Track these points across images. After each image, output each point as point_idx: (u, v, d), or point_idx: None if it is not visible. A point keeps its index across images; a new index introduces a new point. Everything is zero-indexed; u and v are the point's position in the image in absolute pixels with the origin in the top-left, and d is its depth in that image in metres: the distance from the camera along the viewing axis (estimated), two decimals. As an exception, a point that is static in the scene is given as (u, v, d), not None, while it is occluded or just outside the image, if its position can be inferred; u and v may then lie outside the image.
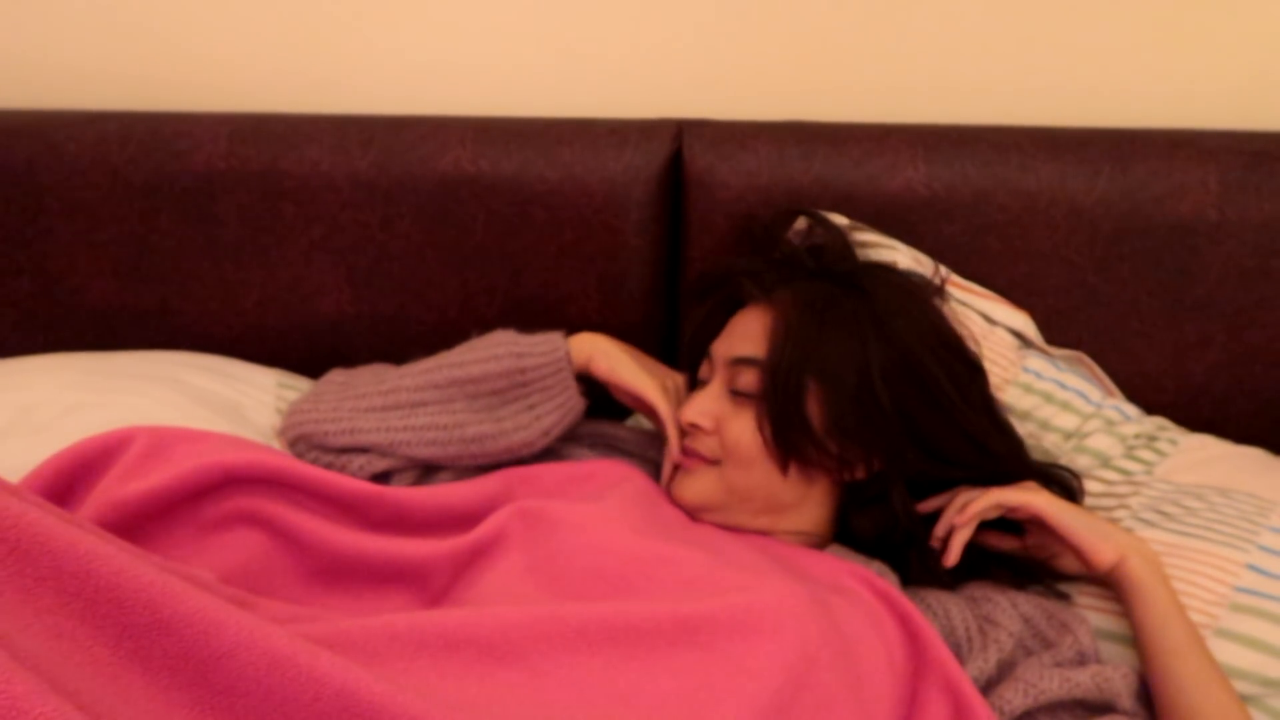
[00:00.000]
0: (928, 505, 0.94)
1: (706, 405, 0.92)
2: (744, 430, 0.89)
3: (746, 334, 0.93)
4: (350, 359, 1.22)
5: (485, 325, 1.19)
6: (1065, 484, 0.96)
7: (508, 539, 0.87)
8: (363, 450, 0.98)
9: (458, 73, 1.24)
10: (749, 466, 0.89)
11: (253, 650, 0.56)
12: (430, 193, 1.15)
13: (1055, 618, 0.87)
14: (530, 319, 1.18)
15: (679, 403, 0.98)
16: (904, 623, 0.81)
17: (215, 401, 1.06)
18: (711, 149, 1.13)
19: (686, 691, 0.68)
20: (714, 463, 0.92)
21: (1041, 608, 0.88)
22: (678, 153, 1.14)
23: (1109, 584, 0.90)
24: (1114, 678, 0.81)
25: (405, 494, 0.91)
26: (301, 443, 1.01)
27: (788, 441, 0.87)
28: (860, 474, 0.91)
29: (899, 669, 0.79)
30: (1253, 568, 0.89)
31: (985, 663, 0.82)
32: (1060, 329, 1.12)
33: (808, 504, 0.93)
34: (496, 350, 0.98)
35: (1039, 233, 1.10)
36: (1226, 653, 0.85)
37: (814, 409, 0.88)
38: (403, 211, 1.16)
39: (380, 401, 0.99)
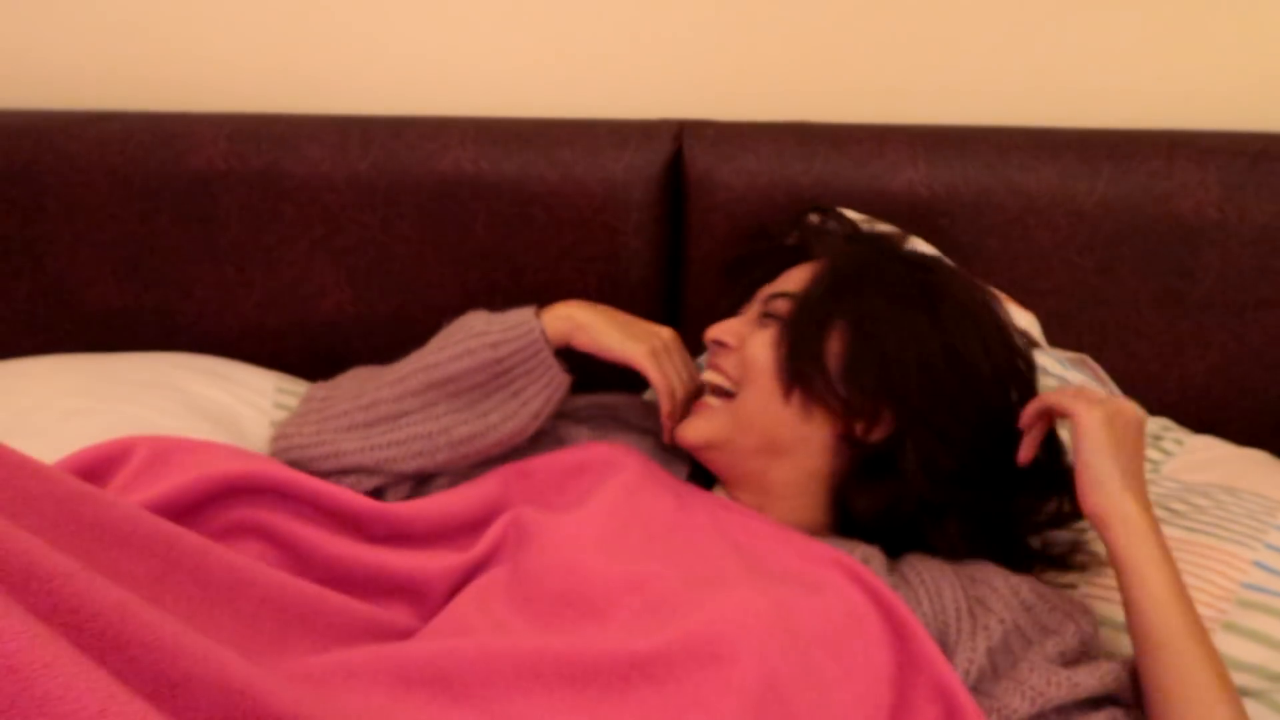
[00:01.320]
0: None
1: (733, 325, 0.94)
2: (763, 346, 0.89)
3: (792, 277, 0.94)
4: (350, 359, 1.21)
5: (486, 326, 1.19)
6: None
7: (500, 552, 0.87)
8: (350, 472, 0.97)
9: (458, 73, 1.24)
10: (757, 386, 0.89)
11: (205, 679, 0.54)
12: (430, 193, 1.15)
13: (1059, 607, 0.84)
14: (531, 320, 1.18)
15: (670, 363, 0.97)
16: (889, 618, 0.80)
17: (213, 410, 1.06)
18: (712, 150, 1.13)
19: None
20: (727, 396, 0.92)
21: (1044, 596, 0.85)
22: (678, 153, 1.14)
23: None
24: (1122, 675, 0.79)
25: (406, 507, 0.90)
26: (296, 467, 0.99)
27: (796, 368, 0.87)
28: (860, 431, 0.89)
29: (881, 671, 0.77)
30: (1260, 565, 0.89)
31: (974, 652, 0.79)
32: (1061, 329, 1.12)
33: (804, 452, 0.90)
34: (469, 344, 0.95)
35: (1040, 233, 1.10)
36: (1234, 647, 0.85)
37: (833, 348, 0.88)
38: (403, 212, 1.16)
39: (362, 418, 0.97)
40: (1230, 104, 1.16)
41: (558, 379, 0.96)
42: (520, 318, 0.96)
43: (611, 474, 0.93)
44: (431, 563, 0.86)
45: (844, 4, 1.17)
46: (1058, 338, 1.13)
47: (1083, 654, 0.82)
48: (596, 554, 0.82)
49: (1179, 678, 0.75)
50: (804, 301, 0.89)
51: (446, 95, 1.25)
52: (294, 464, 0.97)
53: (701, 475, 0.99)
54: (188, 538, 0.71)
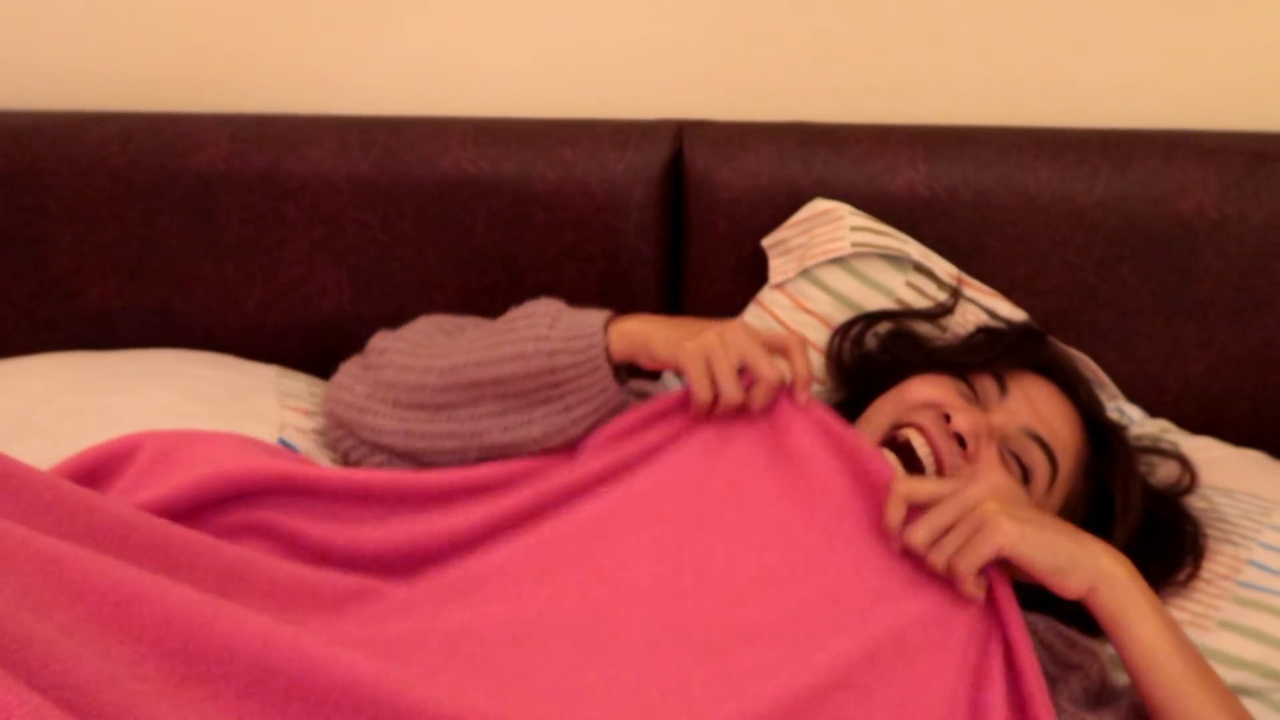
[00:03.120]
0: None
1: (980, 427, 0.87)
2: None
3: (1042, 412, 0.92)
4: (351, 359, 1.22)
5: (486, 325, 1.20)
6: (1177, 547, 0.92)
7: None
8: (384, 450, 0.96)
9: (458, 73, 1.24)
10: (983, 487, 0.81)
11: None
12: (431, 193, 1.15)
13: (1078, 644, 0.83)
14: (531, 320, 1.18)
15: (720, 364, 0.86)
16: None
17: (214, 393, 1.06)
18: (712, 150, 1.13)
19: None
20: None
21: (1060, 634, 0.84)
22: (678, 153, 1.15)
23: None
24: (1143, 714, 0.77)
25: (420, 475, 0.88)
26: (339, 427, 0.99)
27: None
28: None
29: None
30: (1254, 563, 0.90)
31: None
32: (1060, 329, 1.12)
33: None
34: (525, 347, 0.89)
35: (1039, 233, 1.10)
36: (1231, 645, 0.86)
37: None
38: (404, 212, 1.16)
39: (406, 397, 0.93)
40: (1230, 104, 1.16)
41: (613, 400, 0.90)
42: (586, 328, 0.89)
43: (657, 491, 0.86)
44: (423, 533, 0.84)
45: (844, 4, 1.17)
46: (1057, 337, 1.12)
47: (1104, 691, 0.81)
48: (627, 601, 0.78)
49: None
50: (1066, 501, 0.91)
51: (447, 96, 1.25)
52: (341, 423, 0.98)
53: None
54: (181, 535, 0.71)
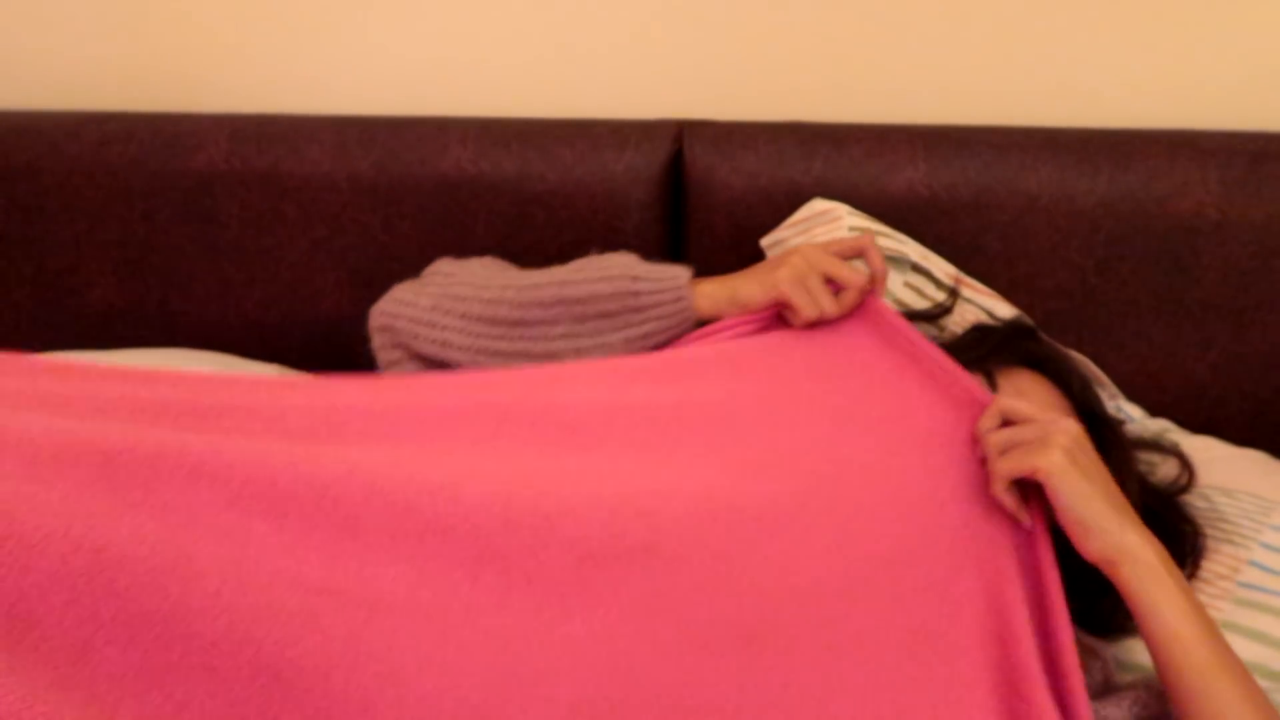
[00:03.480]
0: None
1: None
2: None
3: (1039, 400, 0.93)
4: (351, 359, 1.21)
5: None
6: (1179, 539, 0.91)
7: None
8: (439, 366, 0.93)
9: (458, 73, 1.24)
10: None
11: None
12: (431, 193, 1.15)
13: (1080, 642, 0.82)
14: (531, 319, 1.18)
15: (813, 282, 0.90)
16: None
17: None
18: (712, 149, 1.13)
19: None
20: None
21: None
22: (678, 153, 1.15)
23: None
24: (1148, 699, 0.77)
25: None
26: (385, 334, 0.96)
27: None
28: None
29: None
30: (1255, 564, 0.90)
31: None
32: (1060, 329, 1.12)
33: None
34: (611, 271, 0.91)
35: (1039, 233, 1.10)
36: (1231, 645, 0.85)
37: None
38: (404, 212, 1.16)
39: (479, 310, 0.91)
40: (1230, 103, 1.16)
41: (685, 332, 0.93)
42: (672, 271, 0.93)
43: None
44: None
45: (845, 4, 1.17)
46: (1057, 338, 1.12)
47: (1107, 688, 0.81)
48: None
49: None
50: None
51: (447, 96, 1.25)
52: (392, 331, 0.94)
53: None
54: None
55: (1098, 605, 0.87)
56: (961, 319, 1.07)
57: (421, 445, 0.68)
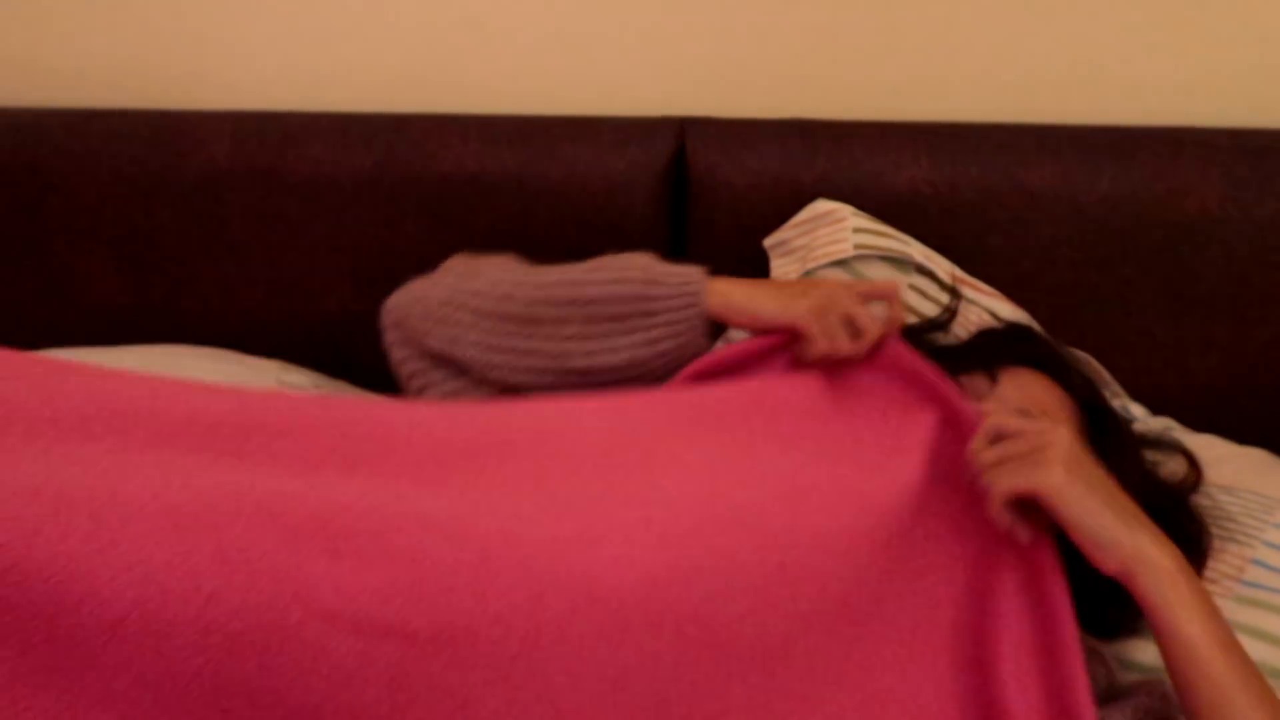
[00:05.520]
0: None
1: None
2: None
3: (1034, 396, 0.93)
4: (353, 357, 1.22)
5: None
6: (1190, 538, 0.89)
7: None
8: (448, 363, 0.93)
9: (461, 71, 1.24)
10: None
11: None
12: (433, 190, 1.15)
13: (1084, 644, 0.82)
14: (533, 317, 1.18)
15: (835, 330, 0.89)
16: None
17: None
18: (715, 147, 1.13)
19: None
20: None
21: None
22: (681, 151, 1.14)
23: None
24: (1151, 704, 0.76)
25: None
26: (398, 330, 0.95)
27: None
28: None
29: None
30: (1258, 562, 0.89)
31: None
32: (1063, 326, 1.12)
33: None
34: (626, 273, 0.90)
35: (1042, 230, 1.10)
36: (1238, 644, 0.85)
37: None
38: (406, 209, 1.16)
39: (492, 306, 0.91)
40: (1234, 100, 1.16)
41: (698, 343, 0.91)
42: (686, 272, 0.91)
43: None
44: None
45: (847, 2, 1.17)
46: (1059, 335, 1.12)
47: (1112, 693, 0.80)
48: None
49: None
50: None
51: (449, 93, 1.25)
52: (404, 327, 0.94)
53: None
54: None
55: (1099, 607, 0.87)
56: (965, 319, 1.07)
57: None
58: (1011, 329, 1.04)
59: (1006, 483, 0.75)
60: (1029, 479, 0.74)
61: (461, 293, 0.93)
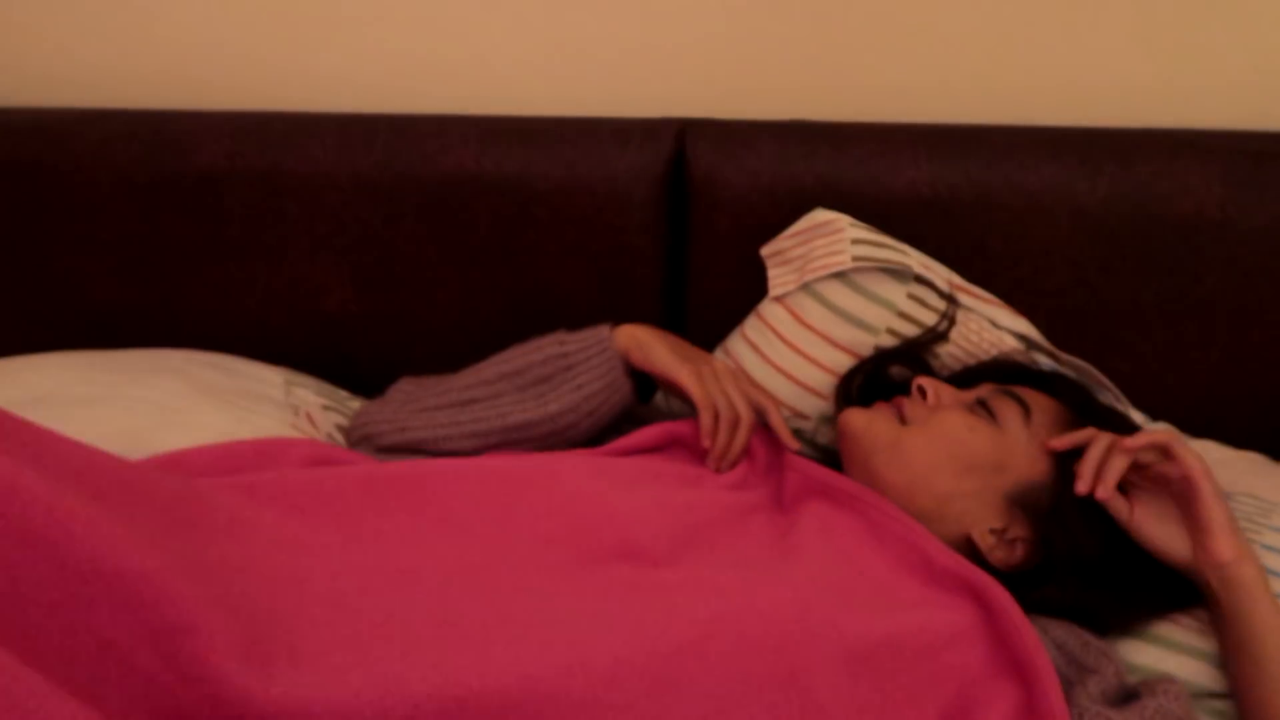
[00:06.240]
0: (1062, 442, 0.89)
1: (944, 387, 0.97)
2: (957, 424, 0.92)
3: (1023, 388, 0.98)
4: (354, 357, 1.22)
5: (488, 324, 1.20)
6: None
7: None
8: (408, 448, 1.02)
9: (461, 71, 1.24)
10: (933, 448, 0.91)
11: None
12: (433, 191, 1.15)
13: (1091, 644, 0.83)
14: (533, 318, 1.19)
15: (716, 385, 0.98)
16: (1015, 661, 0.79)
17: (226, 393, 1.06)
18: (715, 148, 1.13)
19: None
20: (900, 420, 0.95)
21: (1075, 634, 0.84)
22: (681, 152, 1.14)
23: (1200, 586, 0.85)
24: (1173, 709, 0.77)
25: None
26: (364, 444, 1.05)
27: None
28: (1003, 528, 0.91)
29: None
30: (1256, 566, 0.90)
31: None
32: (1063, 329, 1.12)
33: (946, 517, 0.92)
34: (541, 344, 1.03)
35: (1042, 233, 1.10)
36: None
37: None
38: (406, 210, 1.16)
39: (433, 402, 1.03)
40: (1234, 103, 1.16)
41: (619, 379, 1.00)
42: (593, 329, 1.03)
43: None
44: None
45: (847, 3, 1.17)
46: (1059, 338, 1.13)
47: (1123, 692, 0.81)
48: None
49: None
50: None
51: (449, 93, 1.25)
52: (367, 439, 1.05)
53: None
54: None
55: (1100, 609, 0.87)
56: (964, 327, 1.07)
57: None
58: (996, 361, 1.07)
59: (1165, 437, 0.83)
60: (1180, 451, 0.82)
61: (405, 405, 1.05)
